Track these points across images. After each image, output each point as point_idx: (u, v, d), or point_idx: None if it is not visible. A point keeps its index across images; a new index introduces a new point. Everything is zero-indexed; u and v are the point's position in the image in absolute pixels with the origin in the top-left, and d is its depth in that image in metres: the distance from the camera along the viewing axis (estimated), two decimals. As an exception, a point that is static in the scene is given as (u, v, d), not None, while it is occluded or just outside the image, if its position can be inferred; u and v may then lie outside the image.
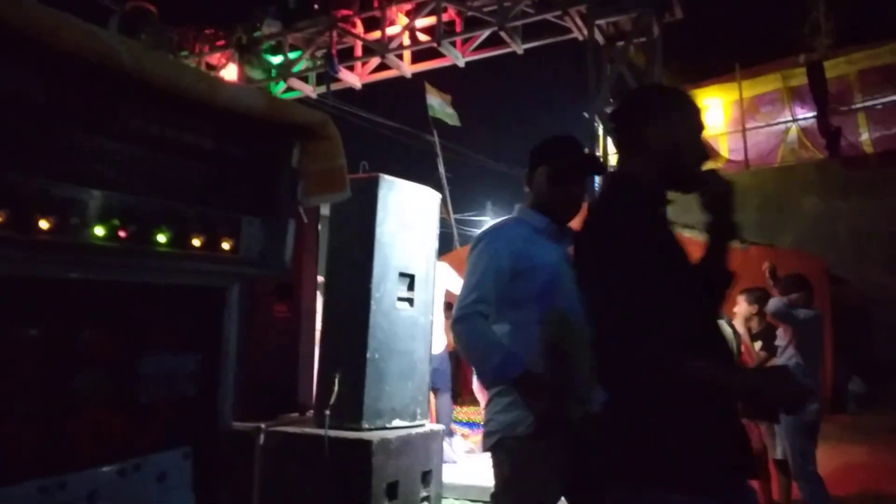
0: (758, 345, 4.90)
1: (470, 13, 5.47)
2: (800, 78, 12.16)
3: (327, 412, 3.81)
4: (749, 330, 4.97)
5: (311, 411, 4.33)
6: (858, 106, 11.73)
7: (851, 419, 5.67)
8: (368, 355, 4.04)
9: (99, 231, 1.09)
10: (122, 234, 1.11)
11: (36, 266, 1.04)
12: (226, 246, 1.26)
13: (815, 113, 11.52)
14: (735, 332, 4.99)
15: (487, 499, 4.96)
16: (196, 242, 1.21)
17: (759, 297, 5.04)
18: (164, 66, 1.10)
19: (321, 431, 3.77)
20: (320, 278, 4.98)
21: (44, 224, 1.01)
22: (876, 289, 8.80)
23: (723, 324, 4.65)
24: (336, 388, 3.91)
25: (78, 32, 0.98)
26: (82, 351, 1.14)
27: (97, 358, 1.15)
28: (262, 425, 3.93)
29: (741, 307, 5.04)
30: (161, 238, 1.16)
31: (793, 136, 12.40)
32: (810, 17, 12.85)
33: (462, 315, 2.19)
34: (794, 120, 12.39)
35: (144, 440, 1.18)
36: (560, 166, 2.30)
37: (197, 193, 1.24)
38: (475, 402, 7.61)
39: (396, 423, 4.15)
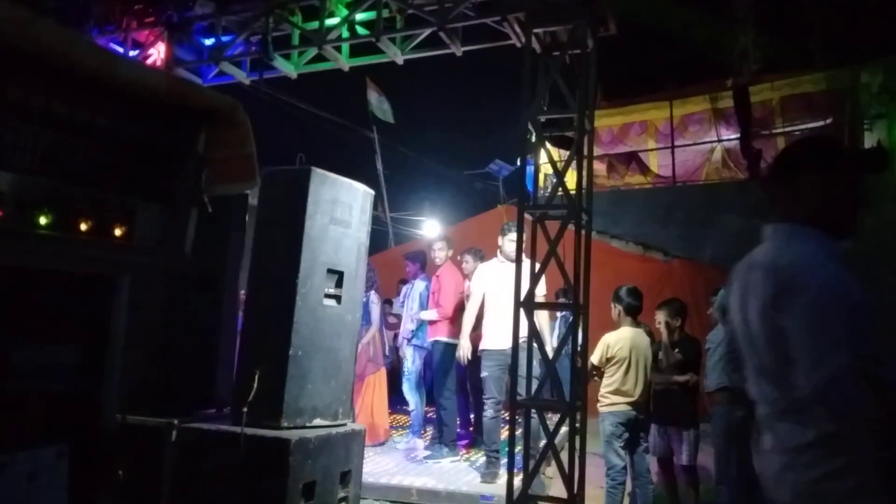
0: (675, 351, 5.09)
1: (410, 11, 5.44)
2: (726, 101, 12.78)
3: (245, 409, 3.70)
4: (671, 333, 5.17)
5: (229, 408, 4.20)
6: (779, 131, 12.42)
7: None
8: (291, 352, 3.96)
9: (-29, 209, 0.99)
10: None
11: None
12: (118, 232, 1.18)
13: (738, 135, 12.12)
14: (653, 340, 5.17)
15: (407, 499, 4.96)
16: (83, 227, 1.12)
17: (678, 309, 5.25)
18: (53, 35, 1.02)
19: (237, 429, 3.66)
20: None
21: None
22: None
23: (641, 332, 4.81)
24: (255, 384, 3.81)
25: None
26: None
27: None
28: (175, 421, 3.77)
29: (661, 317, 5.23)
30: (43, 220, 1.07)
31: (717, 156, 13.02)
32: (739, 43, 13.54)
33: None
34: (720, 140, 13.00)
35: (13, 436, 1.09)
36: (839, 167, 1.84)
37: (88, 174, 1.15)
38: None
39: (317, 422, 4.08)
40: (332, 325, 4.28)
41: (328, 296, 4.28)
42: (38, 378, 1.14)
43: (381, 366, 7.05)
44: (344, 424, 4.28)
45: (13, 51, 0.99)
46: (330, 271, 4.27)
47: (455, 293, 6.56)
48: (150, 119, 1.24)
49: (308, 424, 4.02)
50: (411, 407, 7.16)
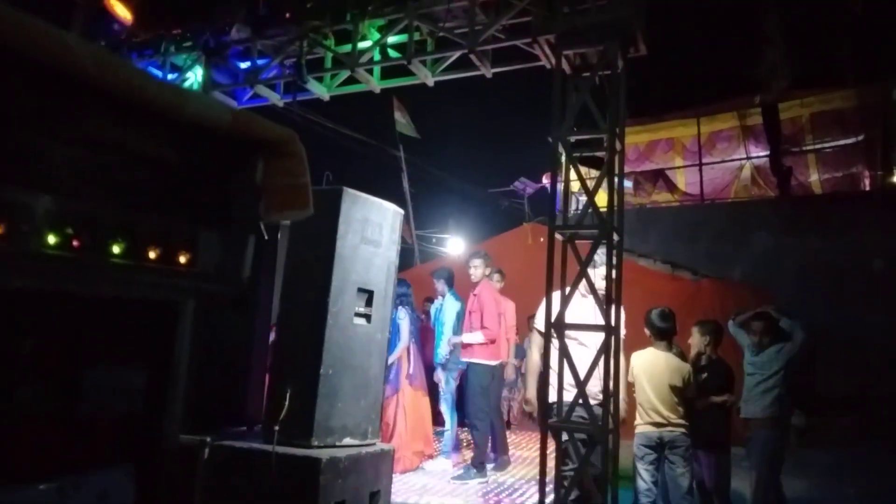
0: (703, 376, 5.01)
1: (441, 34, 5.52)
2: (755, 118, 12.66)
3: (276, 427, 3.74)
4: (697, 357, 5.09)
5: (260, 426, 4.24)
6: (809, 148, 12.26)
7: (792, 453, 5.85)
8: (322, 371, 4.00)
9: (51, 239, 1.04)
10: (75, 243, 1.07)
11: (-20, 273, 0.99)
12: (182, 259, 1.22)
13: (768, 152, 11.99)
14: (686, 361, 5.10)
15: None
16: (152, 255, 1.17)
17: (711, 329, 5.15)
18: (129, 74, 1.08)
19: (269, 447, 3.70)
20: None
21: (-9, 230, 0.96)
22: (819, 324, 9.14)
23: (667, 354, 4.75)
24: (287, 402, 3.85)
25: (39, 35, 0.95)
26: (24, 362, 1.09)
27: (39, 370, 1.10)
28: (208, 439, 3.81)
29: (694, 338, 5.15)
30: (116, 249, 1.12)
31: (746, 173, 12.87)
32: (767, 59, 13.44)
33: None
34: (748, 158, 12.86)
35: (86, 457, 1.13)
36: None
37: (156, 204, 1.21)
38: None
39: (347, 441, 4.10)
40: (362, 344, 4.31)
41: (358, 315, 4.32)
42: (107, 400, 1.18)
43: (401, 387, 6.67)
44: (373, 444, 4.29)
45: (93, 87, 1.04)
46: (360, 290, 4.32)
47: (496, 313, 6.55)
48: (213, 150, 1.29)
49: (338, 443, 4.05)
50: (447, 426, 7.13)
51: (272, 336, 4.75)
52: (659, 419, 4.57)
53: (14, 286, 1.04)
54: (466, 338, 6.57)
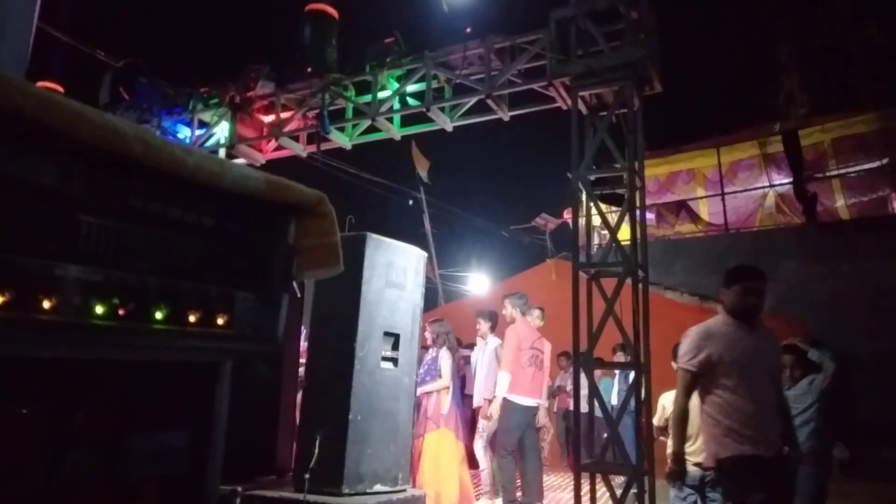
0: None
1: (458, 81, 5.66)
2: (775, 145, 12.60)
3: (307, 475, 3.74)
4: None
5: (291, 474, 4.25)
6: (833, 173, 12.13)
7: (835, 485, 5.65)
8: (350, 416, 4.01)
9: (99, 309, 1.11)
10: (121, 311, 1.13)
11: (38, 346, 1.06)
12: (220, 321, 1.28)
13: (790, 179, 11.89)
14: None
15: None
16: (192, 318, 1.23)
17: None
18: (171, 151, 1.15)
19: (300, 496, 3.70)
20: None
21: (46, 304, 1.03)
22: (855, 354, 8.90)
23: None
24: (316, 450, 3.86)
25: (91, 124, 1.03)
26: (74, 429, 1.14)
27: (89, 436, 1.15)
28: (239, 488, 3.82)
29: None
30: (158, 315, 1.18)
31: (770, 201, 12.75)
32: (785, 87, 13.46)
33: None
34: (772, 185, 12.76)
35: (131, 520, 1.17)
36: None
37: (195, 270, 1.27)
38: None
39: (378, 487, 4.08)
40: (390, 388, 4.32)
41: (385, 358, 4.35)
42: (151, 463, 1.22)
43: (443, 426, 6.31)
44: (404, 490, 4.26)
45: (139, 165, 1.12)
46: (387, 334, 4.35)
47: (518, 350, 6.36)
48: (247, 215, 1.35)
49: (369, 490, 4.03)
50: (482, 466, 6.97)
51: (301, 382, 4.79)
52: (700, 459, 4.42)
53: (66, 356, 1.10)
54: (500, 391, 6.41)
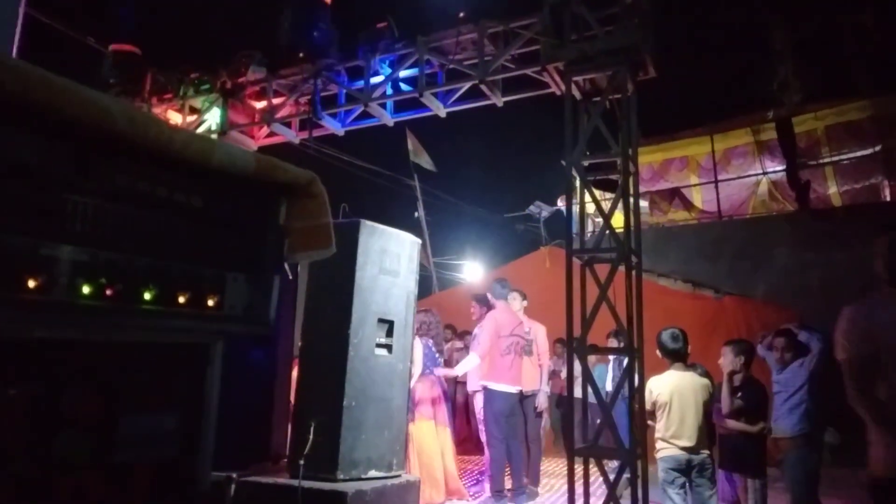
0: (737, 396, 4.92)
1: (451, 66, 5.62)
2: (769, 132, 12.61)
3: (301, 462, 3.75)
4: (731, 375, 4.99)
5: (285, 460, 4.25)
6: (826, 160, 12.16)
7: (826, 471, 5.70)
8: (345, 403, 4.01)
9: (86, 290, 1.09)
10: (108, 292, 1.11)
11: (24, 327, 1.04)
12: (211, 302, 1.26)
13: (784, 166, 11.91)
14: (712, 382, 5.01)
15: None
16: (181, 299, 1.21)
17: (744, 348, 5.05)
18: (158, 128, 1.13)
19: (295, 482, 3.70)
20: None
21: (32, 283, 1.01)
22: (847, 339, 8.97)
23: (690, 374, 4.67)
24: (311, 436, 3.86)
25: (76, 99, 1.01)
26: (63, 412, 1.13)
27: (77, 419, 1.14)
28: (234, 475, 3.82)
29: (727, 358, 5.05)
30: (147, 296, 1.16)
31: (763, 189, 12.77)
32: (779, 74, 13.44)
33: None
34: (765, 173, 12.78)
35: (123, 503, 1.16)
36: None
37: (184, 250, 1.25)
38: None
39: (372, 473, 4.09)
40: (384, 375, 4.32)
41: (379, 345, 4.34)
42: (142, 446, 1.21)
43: (418, 417, 6.29)
44: (398, 476, 4.27)
45: (125, 144, 1.10)
46: (381, 321, 4.35)
47: (496, 336, 6.25)
48: (237, 195, 1.34)
49: (363, 476, 4.04)
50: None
51: (295, 369, 4.78)
52: (688, 443, 4.49)
53: (52, 337, 1.08)
54: (459, 369, 6.45)
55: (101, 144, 1.08)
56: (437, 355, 6.56)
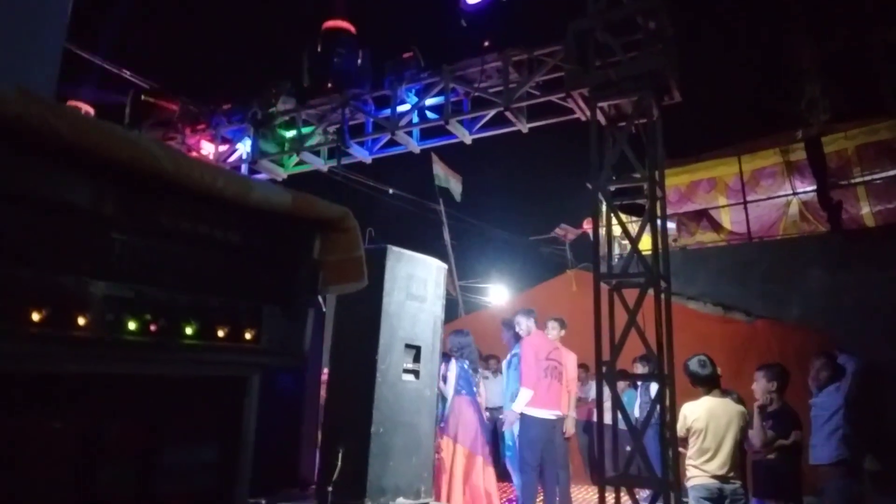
0: (768, 424, 4.80)
1: (476, 94, 5.70)
2: (798, 153, 12.43)
3: (329, 488, 3.75)
4: (763, 408, 4.87)
5: (314, 487, 4.26)
6: (858, 180, 11.93)
7: (868, 501, 5.51)
8: (373, 429, 4.02)
9: (131, 325, 1.13)
10: (152, 327, 1.15)
11: (72, 362, 1.08)
12: (248, 336, 1.30)
13: (814, 187, 11.71)
14: (745, 407, 4.90)
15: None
16: (221, 333, 1.25)
17: (778, 373, 4.93)
18: (201, 169, 1.18)
19: (324, 509, 3.70)
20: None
21: (81, 320, 1.06)
22: (885, 363, 8.70)
23: (725, 401, 4.58)
24: (339, 463, 3.87)
25: (123, 143, 1.06)
26: (107, 445, 1.16)
27: (121, 452, 1.17)
28: (263, 501, 3.85)
29: (760, 384, 4.93)
30: (189, 330, 1.20)
31: (794, 209, 12.55)
32: (806, 94, 13.28)
33: None
34: (795, 193, 12.57)
35: (162, 534, 1.18)
36: None
37: (223, 285, 1.29)
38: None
39: (400, 500, 4.08)
40: (412, 401, 4.32)
41: (407, 371, 4.35)
42: (182, 477, 1.24)
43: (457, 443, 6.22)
44: (426, 503, 4.25)
45: (169, 184, 1.15)
46: (408, 346, 4.37)
47: (535, 365, 6.28)
48: (274, 231, 1.38)
49: (391, 503, 4.02)
50: (515, 483, 6.87)
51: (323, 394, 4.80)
52: (719, 471, 4.37)
53: (99, 372, 1.12)
54: (517, 406, 6.35)
55: (146, 185, 1.14)
56: (472, 376, 6.50)
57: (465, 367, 6.41)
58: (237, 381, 1.37)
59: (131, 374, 1.19)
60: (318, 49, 6.42)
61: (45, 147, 1.00)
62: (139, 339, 1.13)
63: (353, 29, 6.48)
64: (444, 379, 6.18)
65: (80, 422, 1.15)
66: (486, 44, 5.66)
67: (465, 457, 6.17)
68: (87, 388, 1.15)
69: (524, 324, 6.54)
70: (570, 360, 6.73)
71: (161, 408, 1.27)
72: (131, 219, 1.13)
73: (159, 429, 1.26)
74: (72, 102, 7.32)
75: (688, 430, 4.45)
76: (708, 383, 4.48)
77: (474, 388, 6.48)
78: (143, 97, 7.09)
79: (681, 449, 4.61)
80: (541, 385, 6.16)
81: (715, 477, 4.37)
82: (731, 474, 4.38)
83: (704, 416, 4.40)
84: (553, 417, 6.26)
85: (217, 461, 1.30)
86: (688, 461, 4.46)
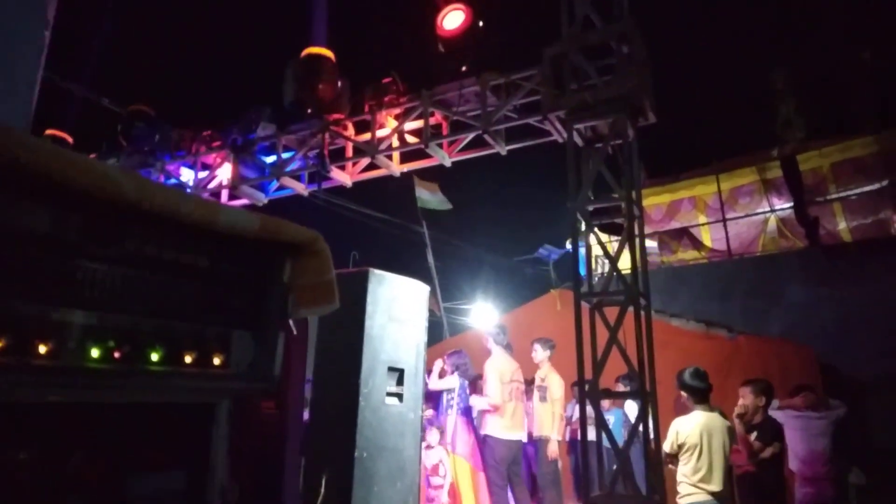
0: (753, 436, 4.83)
1: (455, 118, 5.76)
2: (775, 171, 12.67)
3: (313, 516, 3.69)
4: (749, 421, 4.89)
5: (296, 515, 4.19)
6: (833, 196, 12.16)
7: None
8: (356, 454, 3.98)
9: (95, 353, 1.12)
10: (116, 354, 1.15)
11: (33, 391, 1.07)
12: (217, 361, 1.29)
13: (791, 204, 11.93)
14: (730, 423, 4.91)
15: None
16: (188, 359, 1.24)
17: (764, 388, 4.99)
18: (165, 195, 1.19)
19: (306, 538, 3.64)
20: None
21: (42, 349, 1.05)
22: (867, 376, 8.79)
23: (715, 416, 4.58)
24: (322, 489, 3.82)
25: (85, 170, 1.07)
26: (71, 473, 1.14)
27: (86, 481, 1.16)
28: (245, 531, 3.77)
29: (748, 399, 4.95)
30: (154, 357, 1.19)
31: (772, 226, 12.75)
32: (781, 112, 13.58)
33: None
34: (773, 210, 12.78)
35: (127, 564, 1.16)
36: None
37: (191, 310, 1.29)
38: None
39: (384, 527, 4.02)
40: (395, 425, 4.29)
41: (390, 394, 4.32)
42: (149, 506, 1.22)
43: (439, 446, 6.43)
44: (412, 529, 4.19)
45: (133, 211, 1.15)
46: (391, 369, 4.34)
47: (499, 382, 6.25)
48: (242, 255, 1.38)
49: (376, 530, 3.97)
50: None
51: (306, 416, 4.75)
52: (716, 488, 4.30)
53: (62, 400, 1.11)
54: (483, 429, 6.40)
55: (109, 212, 1.14)
56: (467, 394, 6.69)
57: (465, 385, 6.60)
58: (206, 408, 1.36)
59: (95, 402, 1.18)
60: (299, 75, 6.45)
61: (7, 176, 1.00)
62: (103, 367, 1.12)
63: (332, 56, 6.54)
64: (440, 374, 6.45)
65: (44, 452, 1.13)
66: (464, 69, 5.75)
67: (471, 473, 6.37)
68: (51, 416, 1.13)
69: (497, 338, 6.62)
70: (554, 381, 6.71)
71: (127, 436, 1.25)
72: (94, 245, 1.13)
73: (125, 457, 1.24)
74: (50, 132, 7.29)
75: (680, 446, 4.39)
76: (699, 395, 4.44)
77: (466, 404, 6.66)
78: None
79: (670, 465, 4.58)
80: (504, 408, 6.20)
81: (712, 494, 4.29)
82: (725, 490, 4.34)
83: (697, 431, 4.32)
84: (517, 439, 6.33)
85: (184, 489, 1.29)
86: (681, 478, 4.39)
